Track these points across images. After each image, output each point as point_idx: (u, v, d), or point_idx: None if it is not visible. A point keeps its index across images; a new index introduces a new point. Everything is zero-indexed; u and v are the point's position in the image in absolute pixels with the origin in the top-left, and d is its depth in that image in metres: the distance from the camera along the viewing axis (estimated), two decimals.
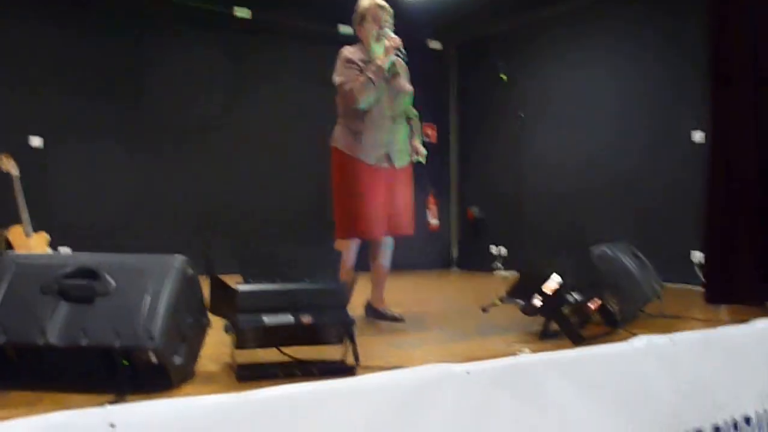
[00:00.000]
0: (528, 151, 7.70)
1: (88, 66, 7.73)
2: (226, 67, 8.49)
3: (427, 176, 9.70)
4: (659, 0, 7.54)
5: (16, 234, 6.33)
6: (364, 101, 4.65)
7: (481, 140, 9.83)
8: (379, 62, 4.68)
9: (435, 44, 10.05)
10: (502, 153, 8.95)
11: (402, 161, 4.90)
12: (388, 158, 4.80)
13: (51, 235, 6.64)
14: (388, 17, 4.84)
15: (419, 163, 5.07)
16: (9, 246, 6.27)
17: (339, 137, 4.84)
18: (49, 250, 6.58)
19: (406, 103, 4.91)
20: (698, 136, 6.98)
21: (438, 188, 10.09)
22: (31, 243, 6.36)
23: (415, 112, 5.07)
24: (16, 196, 6.34)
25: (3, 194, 6.44)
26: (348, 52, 4.84)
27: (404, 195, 4.92)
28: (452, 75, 10.37)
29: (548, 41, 8.86)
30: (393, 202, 4.81)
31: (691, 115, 7.05)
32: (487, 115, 9.63)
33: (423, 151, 5.03)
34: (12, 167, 6.43)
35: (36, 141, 7.40)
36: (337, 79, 4.77)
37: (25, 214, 6.34)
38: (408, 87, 4.91)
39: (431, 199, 10.02)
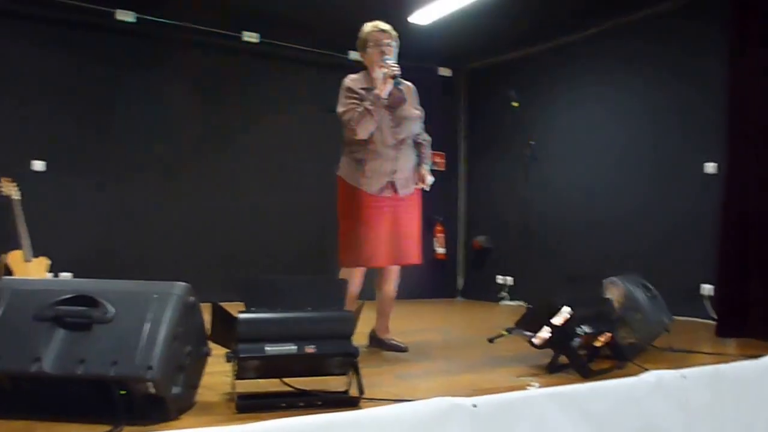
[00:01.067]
0: (537, 181, 7.64)
1: (93, 91, 7.71)
2: (234, 92, 8.48)
3: (434, 204, 9.68)
4: (671, 30, 7.51)
5: (15, 259, 6.29)
6: (361, 132, 4.59)
7: (490, 169, 9.79)
8: (377, 91, 4.63)
9: (445, 71, 10.03)
10: (511, 182, 8.91)
11: (407, 189, 4.83)
12: (393, 187, 4.73)
13: (52, 261, 6.60)
14: (391, 41, 4.78)
15: (424, 191, 5.00)
16: (8, 271, 6.23)
17: (343, 167, 4.81)
18: (49, 276, 6.53)
19: (415, 128, 4.85)
20: (711, 167, 6.92)
21: (445, 217, 10.04)
22: (31, 268, 6.31)
23: (427, 137, 5.02)
24: (17, 221, 6.30)
25: (4, 219, 6.40)
26: (350, 80, 4.80)
27: (410, 224, 4.84)
28: (462, 102, 10.34)
29: (559, 70, 8.83)
30: (398, 231, 4.74)
31: (703, 145, 7.01)
32: (497, 143, 9.60)
33: (429, 179, 4.95)
34: (13, 191, 6.39)
35: (38, 165, 7.35)
36: (338, 109, 4.73)
37: (25, 239, 6.31)
38: (413, 113, 4.85)
39: (438, 228, 9.97)
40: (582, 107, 8.54)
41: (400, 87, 4.70)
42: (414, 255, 4.86)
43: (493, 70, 9.84)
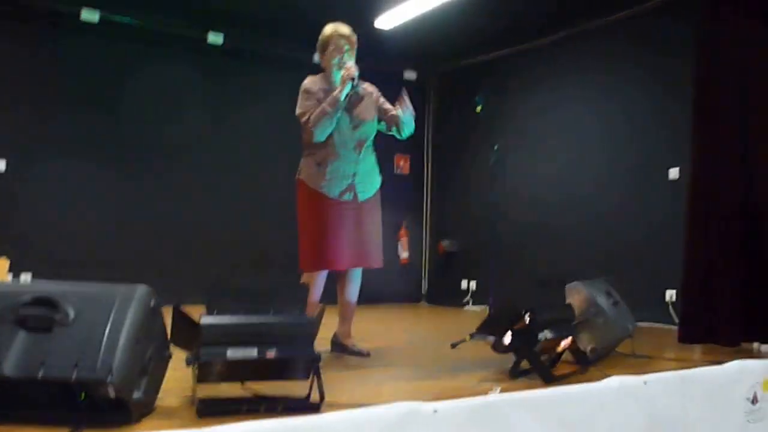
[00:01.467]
0: (503, 185, 7.68)
1: (57, 89, 7.65)
2: (200, 93, 8.45)
3: (399, 208, 9.69)
4: (640, 35, 7.58)
5: None
6: (319, 133, 4.59)
7: (456, 173, 9.82)
8: (335, 93, 4.62)
9: (411, 74, 10.05)
10: (477, 186, 8.95)
11: (367, 193, 4.84)
12: (353, 190, 4.73)
13: (12, 261, 6.52)
14: (349, 46, 4.79)
15: (395, 135, 4.94)
16: None
17: (303, 169, 4.80)
18: (9, 276, 6.46)
19: (369, 131, 4.83)
20: (673, 172, 6.99)
21: (410, 220, 10.06)
22: None
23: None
24: None
25: None
26: (309, 82, 4.80)
27: (370, 227, 4.85)
28: (428, 106, 10.37)
29: (527, 74, 8.89)
30: (358, 235, 4.75)
31: (669, 151, 7.08)
32: (463, 147, 9.63)
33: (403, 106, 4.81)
34: None
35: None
36: (297, 110, 4.73)
37: None
38: (370, 114, 4.83)
39: (403, 231, 9.98)
40: (549, 112, 8.59)
41: (358, 90, 4.71)
42: (375, 258, 4.88)
43: (459, 74, 9.88)
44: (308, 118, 4.61)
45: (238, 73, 8.71)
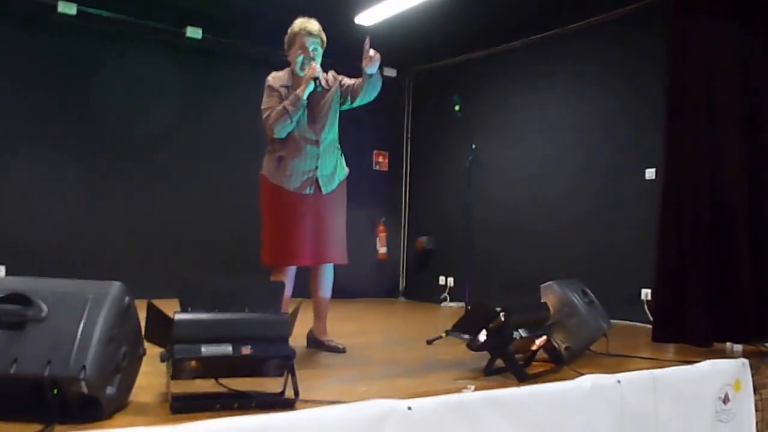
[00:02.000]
0: (480, 183, 7.70)
1: (32, 81, 7.60)
2: (176, 88, 8.41)
3: (377, 204, 9.71)
4: (613, 36, 7.63)
5: None
6: (278, 131, 4.60)
7: (434, 170, 9.84)
8: (297, 91, 4.62)
9: (390, 71, 10.04)
10: (454, 184, 8.96)
11: (329, 187, 4.81)
12: (315, 184, 4.72)
13: None
14: (316, 43, 4.76)
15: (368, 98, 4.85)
16: None
17: (265, 165, 4.80)
18: None
19: (331, 125, 4.82)
20: (650, 172, 7.04)
21: (388, 217, 10.07)
22: None
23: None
24: None
25: None
26: (272, 78, 4.79)
27: (333, 222, 4.83)
28: (407, 104, 10.38)
29: (504, 75, 8.92)
30: (321, 230, 4.73)
31: (645, 152, 7.12)
32: (441, 144, 9.65)
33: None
34: None
35: None
36: (261, 106, 4.73)
37: None
38: (330, 110, 4.80)
39: (381, 227, 10.00)
40: (526, 112, 8.63)
41: (320, 85, 4.65)
42: (338, 254, 4.85)
43: (438, 73, 9.89)
44: (269, 115, 4.61)
45: (215, 69, 8.68)
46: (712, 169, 5.41)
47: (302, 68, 4.70)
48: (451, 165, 9.17)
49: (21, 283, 2.70)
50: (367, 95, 4.81)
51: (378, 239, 10.01)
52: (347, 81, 4.90)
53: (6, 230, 7.18)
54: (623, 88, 7.53)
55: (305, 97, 4.60)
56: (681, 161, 5.55)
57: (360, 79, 4.78)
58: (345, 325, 5.88)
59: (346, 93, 4.86)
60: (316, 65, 4.65)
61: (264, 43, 7.99)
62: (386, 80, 9.85)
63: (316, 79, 4.59)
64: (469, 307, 5.94)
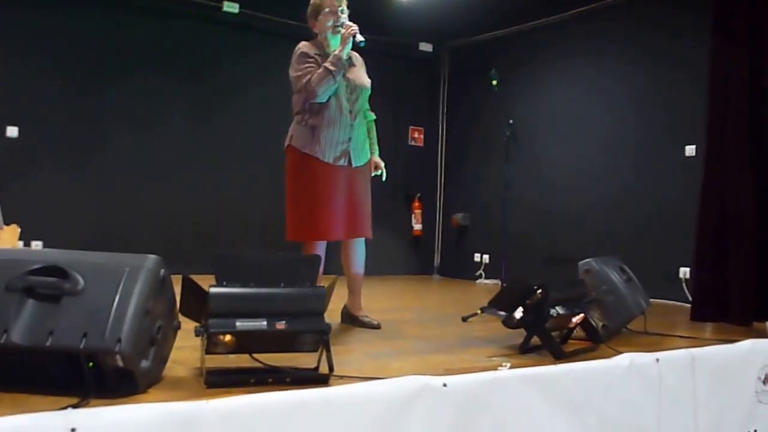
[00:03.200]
0: (517, 161, 7.64)
1: (72, 55, 7.62)
2: (212, 61, 8.41)
3: (413, 180, 9.67)
4: (655, 13, 7.51)
5: None
6: (321, 92, 4.49)
7: (470, 146, 9.77)
8: (337, 52, 4.54)
9: (426, 46, 9.98)
10: (490, 160, 8.91)
11: (360, 160, 4.77)
12: (347, 156, 4.67)
13: (22, 229, 6.52)
14: (344, 5, 4.69)
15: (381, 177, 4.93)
16: None
17: (295, 136, 4.69)
18: (19, 244, 6.47)
19: (364, 98, 4.78)
20: (690, 149, 6.95)
21: (423, 193, 10.03)
22: (1, 236, 6.24)
23: (372, 115, 4.96)
24: None
25: None
26: (304, 46, 4.71)
27: (363, 195, 4.79)
28: (443, 79, 10.30)
29: (542, 51, 8.81)
30: (352, 203, 4.69)
31: (685, 128, 7.03)
32: (477, 121, 9.58)
33: (381, 164, 4.93)
34: None
35: (12, 131, 7.27)
36: (293, 73, 4.64)
37: None
38: (365, 80, 4.78)
39: (416, 204, 9.96)
40: (564, 88, 8.54)
41: (361, 45, 4.57)
42: (366, 228, 4.81)
43: (474, 48, 9.79)
44: (310, 78, 4.50)
45: (251, 42, 8.64)
46: (757, 147, 5.32)
47: (335, 31, 4.63)
48: (488, 141, 9.11)
49: (58, 256, 2.71)
50: None
51: (413, 216, 9.98)
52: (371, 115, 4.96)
53: (43, 205, 7.23)
54: (663, 64, 7.42)
55: (345, 56, 4.54)
56: (724, 138, 5.46)
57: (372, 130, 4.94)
58: (379, 301, 5.87)
59: None
60: (352, 24, 4.57)
61: (299, 17, 7.97)
62: (422, 55, 9.89)
63: (354, 36, 4.51)
64: (505, 284, 5.90)
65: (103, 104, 7.77)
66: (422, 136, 10.13)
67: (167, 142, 8.15)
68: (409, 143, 10.01)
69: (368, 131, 4.91)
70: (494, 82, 6.73)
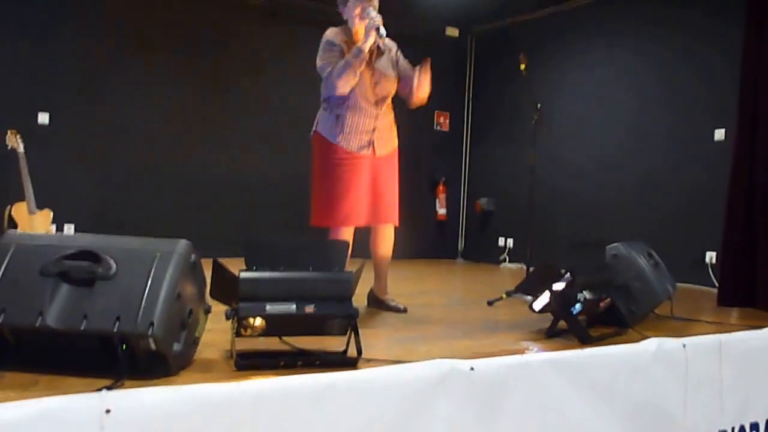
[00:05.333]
0: (544, 145, 7.59)
1: (101, 41, 7.67)
2: (240, 47, 8.44)
3: (438, 164, 9.67)
4: None
5: (19, 211, 6.30)
6: (342, 86, 4.50)
7: (495, 131, 9.75)
8: (359, 44, 4.53)
9: (453, 31, 9.94)
10: (515, 144, 8.88)
11: (385, 149, 4.77)
12: (371, 145, 4.69)
13: (54, 213, 6.60)
14: None
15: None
16: (13, 223, 6.24)
17: (321, 123, 4.73)
18: (52, 228, 6.55)
19: (391, 86, 4.77)
20: (719, 133, 6.90)
21: (448, 177, 10.02)
22: (35, 220, 6.32)
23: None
24: (21, 174, 6.30)
25: (8, 171, 6.41)
26: (331, 34, 4.71)
27: (388, 183, 4.79)
28: (469, 63, 10.27)
29: (569, 35, 8.76)
30: (376, 191, 4.70)
31: (714, 112, 6.98)
32: (503, 105, 9.54)
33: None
34: (17, 143, 6.38)
35: (43, 117, 7.36)
36: (318, 62, 4.65)
37: (29, 191, 6.30)
38: (391, 71, 4.78)
39: (441, 188, 9.96)
40: (592, 72, 8.49)
41: (382, 35, 4.53)
42: (391, 216, 4.82)
43: (502, 32, 9.75)
44: (331, 70, 4.52)
45: (278, 28, 8.65)
46: None
47: (361, 20, 4.61)
48: (513, 125, 9.09)
49: (91, 241, 2.75)
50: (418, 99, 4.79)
51: (437, 200, 9.98)
52: (405, 64, 4.86)
53: (75, 188, 7.30)
54: (692, 47, 7.36)
55: (368, 48, 4.54)
56: (755, 122, 5.42)
57: (412, 72, 4.75)
58: (405, 285, 5.89)
59: (404, 85, 4.82)
60: (377, 15, 4.54)
61: (325, 1, 7.99)
62: (449, 40, 9.86)
63: (377, 29, 4.49)
64: (531, 268, 5.90)
65: (132, 90, 7.81)
66: (448, 121, 10.11)
67: (197, 127, 8.19)
68: (435, 128, 10.00)
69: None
70: (522, 66, 6.67)
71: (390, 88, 4.78)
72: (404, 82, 4.80)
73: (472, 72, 10.27)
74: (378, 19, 4.51)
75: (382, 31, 4.51)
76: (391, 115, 4.88)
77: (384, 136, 4.77)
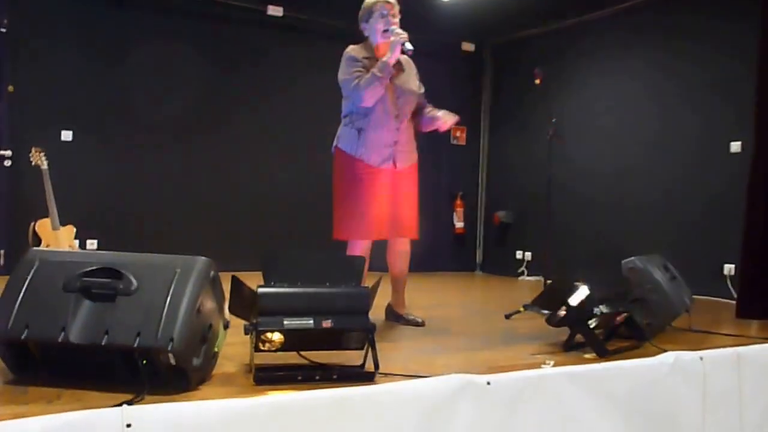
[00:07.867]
0: (560, 157, 7.62)
1: (121, 60, 7.74)
2: (256, 65, 8.50)
3: (455, 178, 9.69)
4: (700, 4, 7.44)
5: (43, 227, 6.35)
6: (369, 97, 4.54)
7: (512, 144, 9.75)
8: (384, 58, 4.57)
9: (469, 46, 9.96)
10: (533, 158, 8.88)
11: (406, 162, 4.81)
12: (392, 159, 4.72)
13: (77, 229, 6.67)
14: (396, 12, 4.71)
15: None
16: (37, 238, 6.31)
17: (342, 138, 4.78)
18: (76, 244, 6.61)
19: (413, 101, 4.84)
20: (735, 146, 6.89)
21: (466, 191, 10.03)
22: (59, 236, 6.38)
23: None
24: (45, 190, 6.36)
25: (33, 188, 6.48)
26: (353, 50, 4.76)
27: (408, 197, 4.82)
28: (485, 77, 10.28)
29: (585, 47, 8.76)
30: (396, 204, 4.73)
31: (730, 125, 6.96)
32: (519, 118, 9.55)
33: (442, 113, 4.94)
34: (42, 161, 6.44)
35: (66, 135, 7.44)
36: (341, 76, 4.70)
37: (53, 208, 6.36)
38: (413, 85, 4.83)
39: (458, 202, 9.97)
40: (608, 85, 8.48)
41: (406, 51, 4.58)
42: (412, 229, 4.86)
43: (517, 45, 9.76)
44: (357, 83, 4.56)
45: (296, 43, 8.70)
46: None
47: (384, 36, 4.66)
48: (530, 138, 9.08)
49: (112, 258, 2.80)
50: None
51: (455, 213, 9.98)
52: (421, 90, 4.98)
53: (98, 206, 7.38)
54: (708, 59, 7.35)
55: (394, 62, 4.57)
56: None
57: (427, 113, 4.94)
58: (423, 298, 5.90)
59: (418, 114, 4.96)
60: (402, 31, 4.59)
61: (342, 17, 8.04)
62: (465, 54, 9.88)
63: (403, 44, 4.54)
64: (548, 281, 5.90)
65: (151, 107, 7.86)
66: (464, 135, 10.11)
67: (216, 142, 8.23)
68: (452, 142, 10.00)
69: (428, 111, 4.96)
70: (537, 80, 6.70)
71: (411, 102, 4.83)
72: (427, 121, 4.94)
73: (489, 85, 10.28)
74: (404, 36, 4.56)
75: (409, 46, 4.55)
76: (412, 129, 4.92)
77: (405, 149, 4.80)
